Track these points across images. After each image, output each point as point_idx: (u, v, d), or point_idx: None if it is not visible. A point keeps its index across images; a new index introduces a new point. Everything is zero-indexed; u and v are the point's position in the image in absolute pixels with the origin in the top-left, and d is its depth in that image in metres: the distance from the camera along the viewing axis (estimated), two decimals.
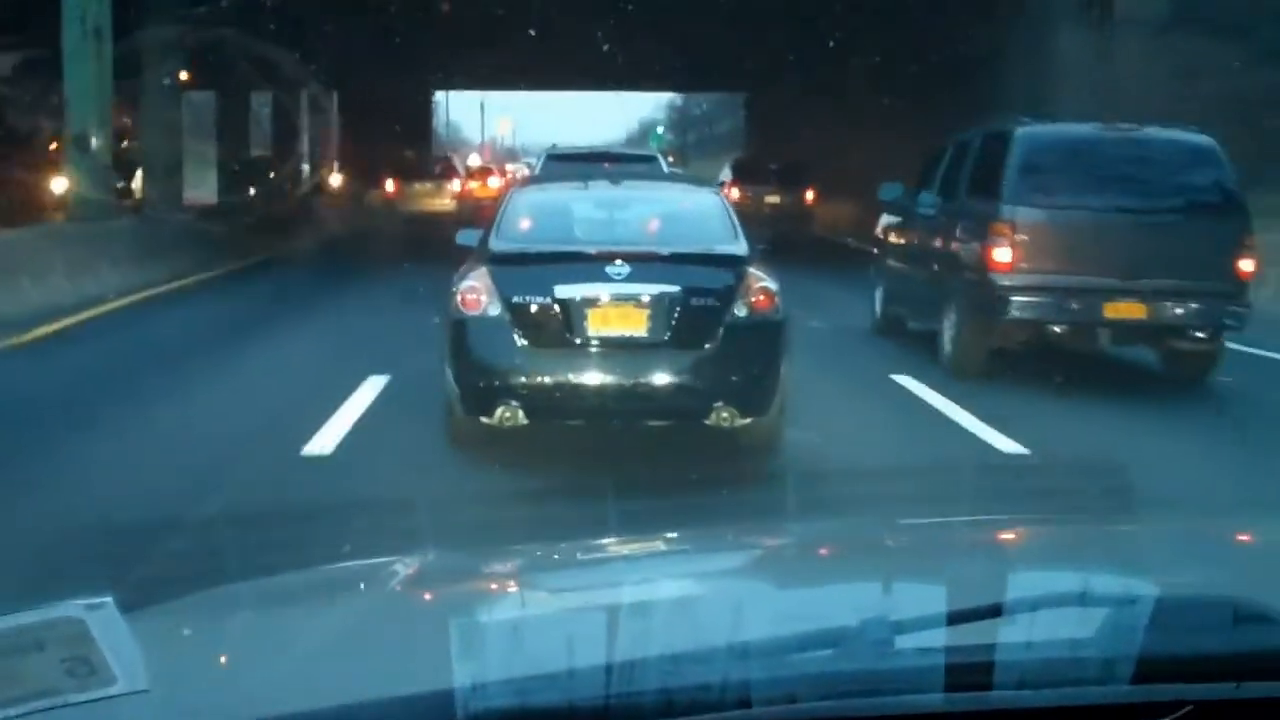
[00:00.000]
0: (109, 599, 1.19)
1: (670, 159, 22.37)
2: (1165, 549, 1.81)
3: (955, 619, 1.23)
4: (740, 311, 6.28)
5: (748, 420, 6.25)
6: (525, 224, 6.96)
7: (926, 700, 1.13)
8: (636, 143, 56.85)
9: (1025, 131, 8.80)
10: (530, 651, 1.37)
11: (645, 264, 6.34)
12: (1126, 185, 8.50)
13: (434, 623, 1.56)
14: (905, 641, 1.19)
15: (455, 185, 28.55)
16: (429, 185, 27.82)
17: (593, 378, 6.24)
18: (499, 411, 6.13)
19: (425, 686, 1.13)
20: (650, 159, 16.79)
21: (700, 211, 7.15)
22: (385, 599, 1.66)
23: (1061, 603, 1.29)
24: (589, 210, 7.30)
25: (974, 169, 9.23)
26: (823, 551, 1.91)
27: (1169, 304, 8.32)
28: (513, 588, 1.75)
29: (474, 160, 41.47)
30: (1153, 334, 8.59)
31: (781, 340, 6.37)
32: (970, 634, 1.20)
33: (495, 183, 30.79)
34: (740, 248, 6.65)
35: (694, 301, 6.27)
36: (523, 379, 6.19)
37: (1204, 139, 8.70)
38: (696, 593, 1.72)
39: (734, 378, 6.25)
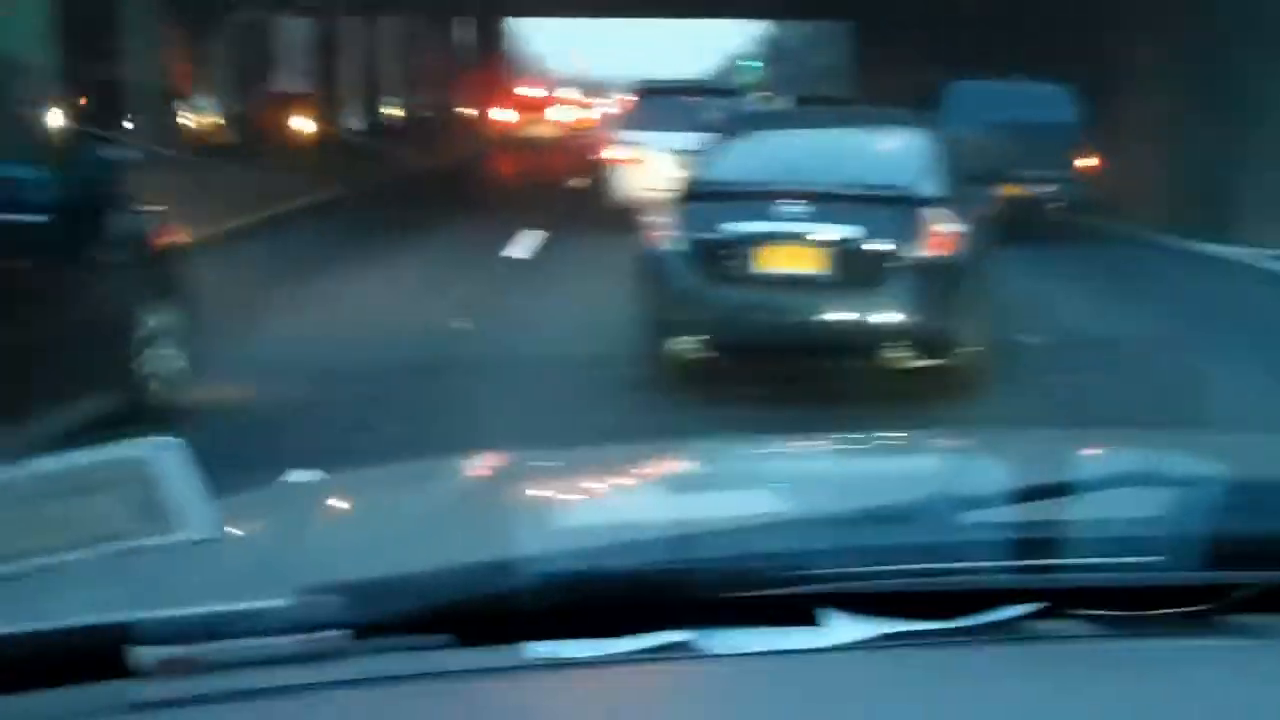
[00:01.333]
0: (177, 440, 1.26)
1: (765, 94, 22.33)
2: (1232, 440, 1.84)
3: (1022, 496, 1.27)
4: (919, 252, 6.56)
5: (927, 361, 6.54)
6: (716, 161, 7.49)
7: (992, 573, 1.18)
8: (724, 77, 56.51)
9: None
10: (597, 524, 1.44)
11: (825, 203, 6.70)
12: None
13: (508, 505, 1.64)
14: (972, 517, 1.24)
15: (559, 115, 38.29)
16: (538, 115, 37.35)
17: (767, 314, 6.68)
18: (678, 341, 6.69)
19: (493, 555, 1.20)
20: (732, 92, 18.15)
21: (898, 148, 7.42)
22: (461, 489, 1.75)
23: (1127, 482, 1.33)
24: (781, 149, 7.69)
25: None
26: (890, 444, 1.96)
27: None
28: (584, 478, 1.83)
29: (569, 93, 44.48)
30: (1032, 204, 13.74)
31: (965, 283, 6.66)
32: (1035, 511, 1.24)
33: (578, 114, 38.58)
34: (927, 188, 6.88)
35: (871, 242, 6.58)
36: (700, 312, 6.69)
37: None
38: (765, 477, 1.78)
39: (910, 318, 6.54)
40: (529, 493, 1.75)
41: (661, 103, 15.85)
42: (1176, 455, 1.68)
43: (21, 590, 1.14)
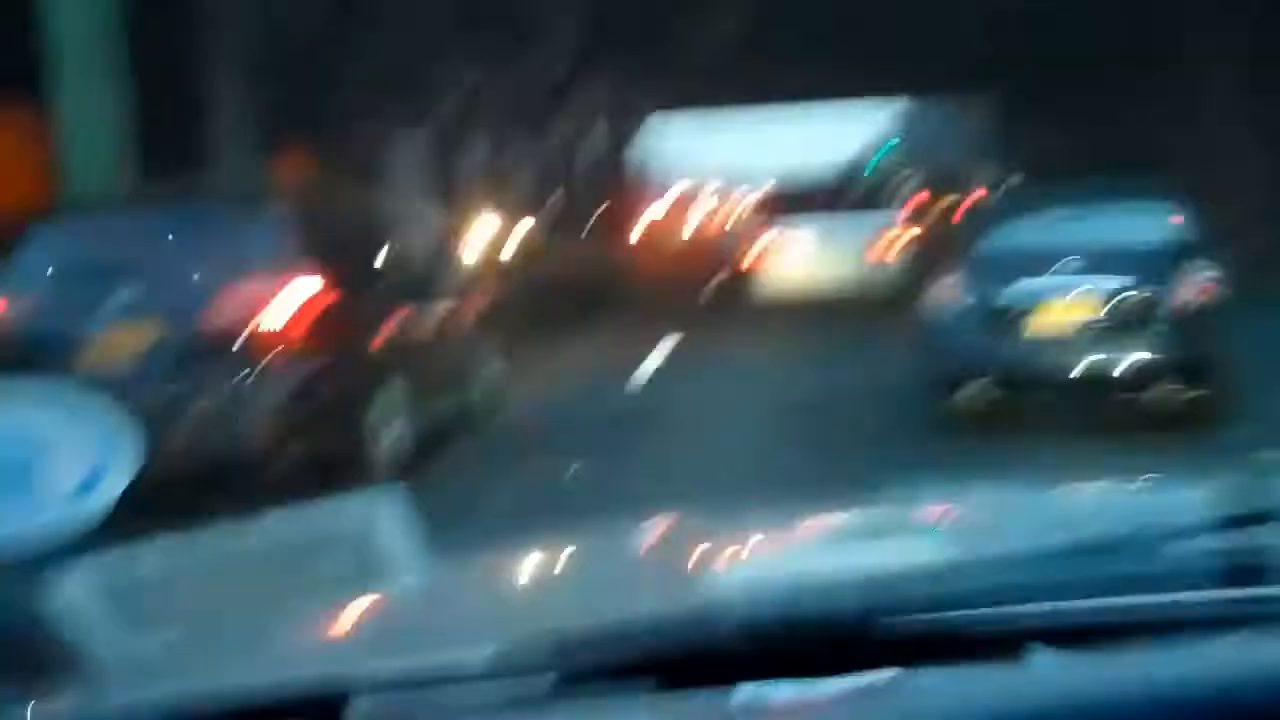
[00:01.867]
0: (398, 491, 1.32)
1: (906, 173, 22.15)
2: None
3: (1224, 524, 1.26)
4: (1183, 299, 7.72)
5: (1192, 393, 7.59)
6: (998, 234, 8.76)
7: (1198, 600, 1.18)
8: (859, 164, 56.49)
9: None
10: (794, 571, 1.47)
11: (1096, 260, 7.84)
12: None
13: (704, 557, 1.68)
14: (1173, 548, 1.24)
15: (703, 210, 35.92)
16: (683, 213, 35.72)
17: (1050, 360, 7.77)
18: (968, 390, 7.84)
19: (692, 604, 1.24)
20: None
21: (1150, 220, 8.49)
22: (659, 544, 1.80)
23: None
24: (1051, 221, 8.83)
25: None
26: (1082, 489, 1.95)
27: None
28: (776, 530, 1.85)
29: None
30: None
31: (1221, 323, 7.81)
32: (1240, 539, 1.23)
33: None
34: (1181, 241, 8.09)
35: (1139, 292, 7.70)
36: (986, 362, 7.83)
37: None
38: (957, 521, 1.78)
39: (1178, 356, 7.61)
40: (724, 546, 1.78)
41: (800, 199, 16.49)
42: None
43: (252, 640, 1.21)
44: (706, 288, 18.67)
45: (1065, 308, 7.81)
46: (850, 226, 16.03)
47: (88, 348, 6.87)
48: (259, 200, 8.50)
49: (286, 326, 7.06)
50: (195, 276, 7.18)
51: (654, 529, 1.89)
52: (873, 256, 15.87)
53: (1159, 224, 8.34)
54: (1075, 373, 7.71)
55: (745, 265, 16.58)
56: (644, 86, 29.02)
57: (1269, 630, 1.16)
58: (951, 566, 1.27)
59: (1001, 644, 1.16)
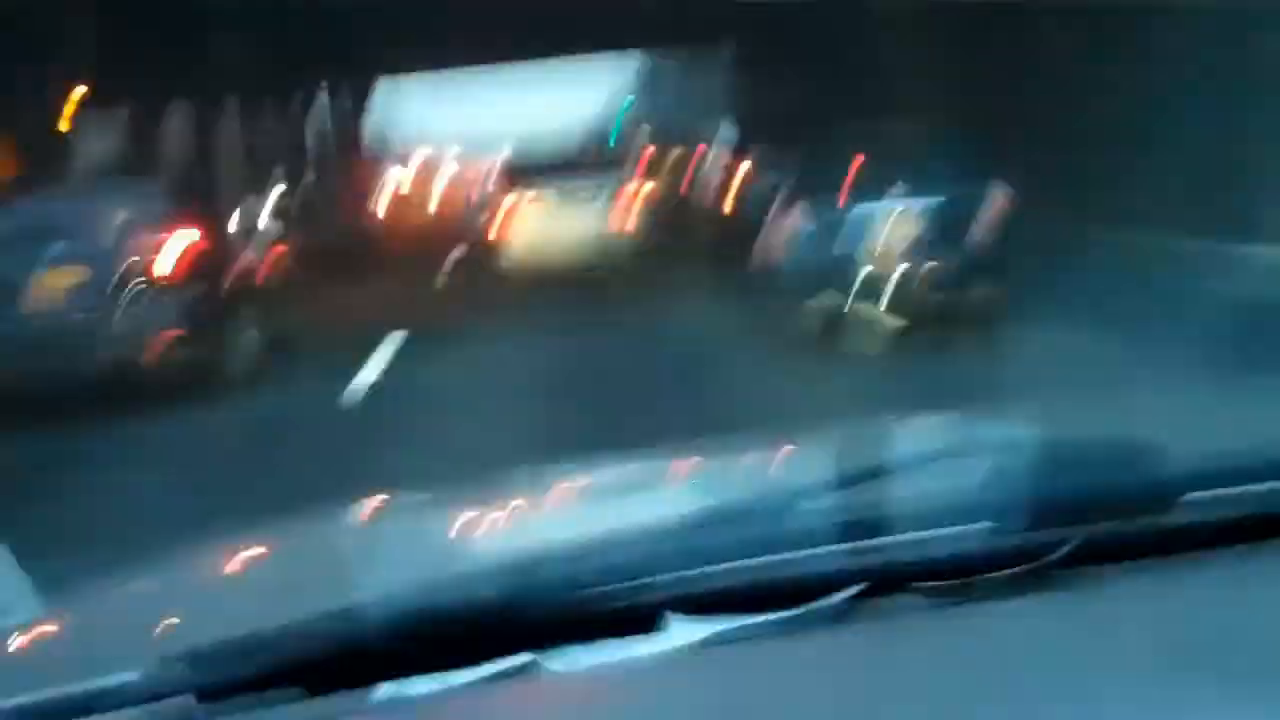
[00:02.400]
0: None
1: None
2: (1037, 406, 1.92)
3: (845, 482, 1.34)
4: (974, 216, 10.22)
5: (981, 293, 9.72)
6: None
7: (823, 559, 1.24)
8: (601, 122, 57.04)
9: None
10: (436, 560, 1.49)
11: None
12: None
13: (350, 552, 1.68)
14: (801, 507, 1.31)
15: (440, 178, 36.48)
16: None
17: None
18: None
19: (334, 604, 1.24)
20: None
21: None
22: (311, 542, 1.79)
23: (945, 455, 1.40)
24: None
25: None
26: (720, 449, 2.02)
27: None
28: (424, 516, 1.88)
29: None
30: None
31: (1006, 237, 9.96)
32: (861, 495, 1.31)
33: None
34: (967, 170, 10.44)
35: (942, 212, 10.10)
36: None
37: None
38: (592, 495, 1.84)
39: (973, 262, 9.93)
40: (370, 537, 1.79)
41: (541, 162, 16.71)
42: (989, 426, 1.76)
43: None
44: (446, 261, 18.56)
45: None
46: (591, 188, 16.09)
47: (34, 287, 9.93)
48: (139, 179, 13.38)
49: (171, 267, 10.36)
50: (107, 233, 10.31)
51: (314, 523, 1.88)
52: (613, 218, 15.93)
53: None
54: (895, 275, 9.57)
55: (488, 235, 16.41)
56: (369, 54, 28.17)
57: (889, 579, 1.24)
58: (586, 543, 1.31)
59: (637, 617, 1.21)
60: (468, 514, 1.82)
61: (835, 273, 9.94)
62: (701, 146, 22.92)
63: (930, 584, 1.24)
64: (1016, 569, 1.24)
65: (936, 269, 9.76)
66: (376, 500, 1.95)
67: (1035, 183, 11.15)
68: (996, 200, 10.09)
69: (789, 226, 10.93)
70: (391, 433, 8.35)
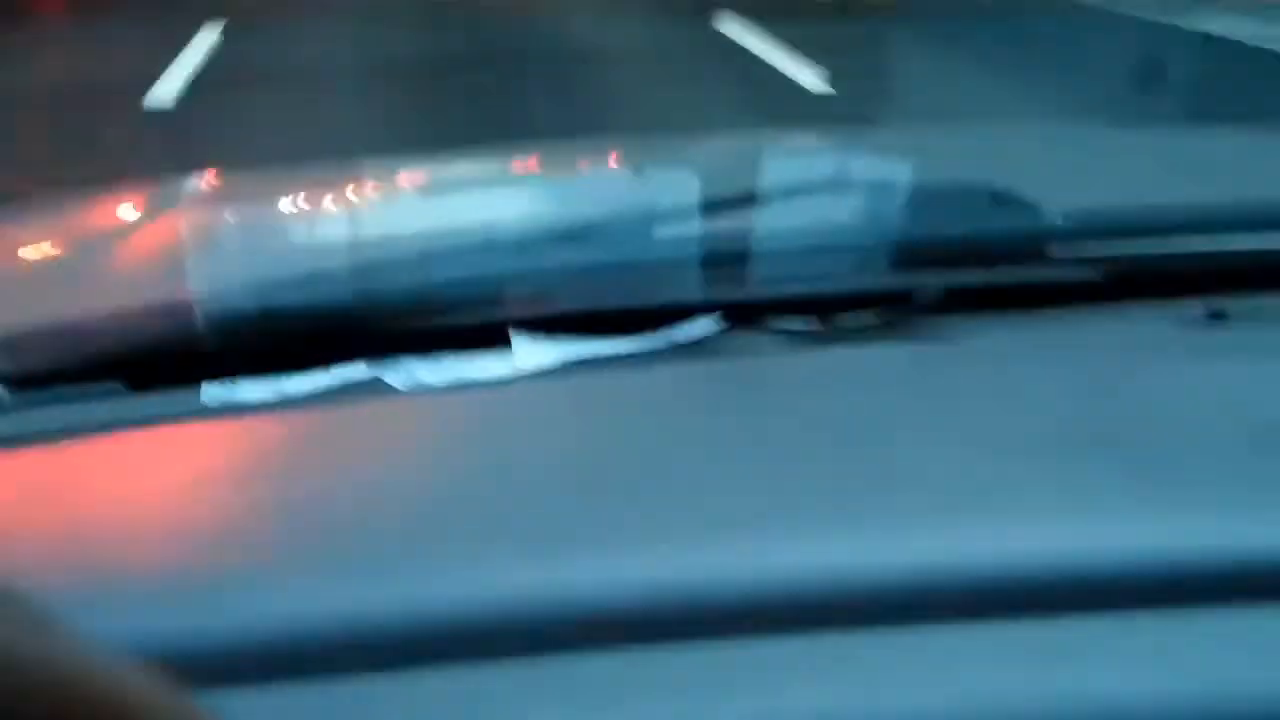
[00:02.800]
0: None
1: None
2: (922, 143, 1.90)
3: (710, 207, 1.30)
4: None
5: None
6: None
7: (677, 288, 1.21)
8: None
9: None
10: (277, 255, 1.43)
11: None
12: None
13: (183, 237, 1.61)
14: (660, 231, 1.27)
15: None
16: None
17: None
18: None
19: (163, 295, 1.18)
20: None
21: None
22: (139, 220, 1.70)
23: (815, 189, 1.37)
24: None
25: None
26: (582, 161, 1.97)
27: None
28: (267, 203, 1.80)
29: None
30: None
31: None
32: (725, 222, 1.27)
33: None
34: None
35: None
36: None
37: None
38: (446, 195, 1.79)
39: None
40: (206, 223, 1.70)
41: None
42: (865, 158, 1.73)
43: None
44: None
45: None
46: None
47: None
48: None
49: None
50: None
51: (144, 199, 1.78)
52: None
53: None
54: None
55: None
56: None
57: (747, 318, 1.22)
58: (440, 250, 1.26)
59: (483, 334, 1.17)
60: (307, 203, 1.74)
61: None
62: None
63: (789, 320, 1.22)
64: (878, 310, 1.23)
65: None
66: (208, 177, 1.84)
67: None
68: None
69: None
70: (220, 114, 7.00)
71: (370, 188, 1.83)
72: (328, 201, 1.77)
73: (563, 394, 1.13)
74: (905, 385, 1.14)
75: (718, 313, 1.20)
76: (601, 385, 1.14)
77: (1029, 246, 1.28)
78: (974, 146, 1.89)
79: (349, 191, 1.80)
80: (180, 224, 1.70)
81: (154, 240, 1.61)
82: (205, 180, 1.85)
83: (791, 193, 1.36)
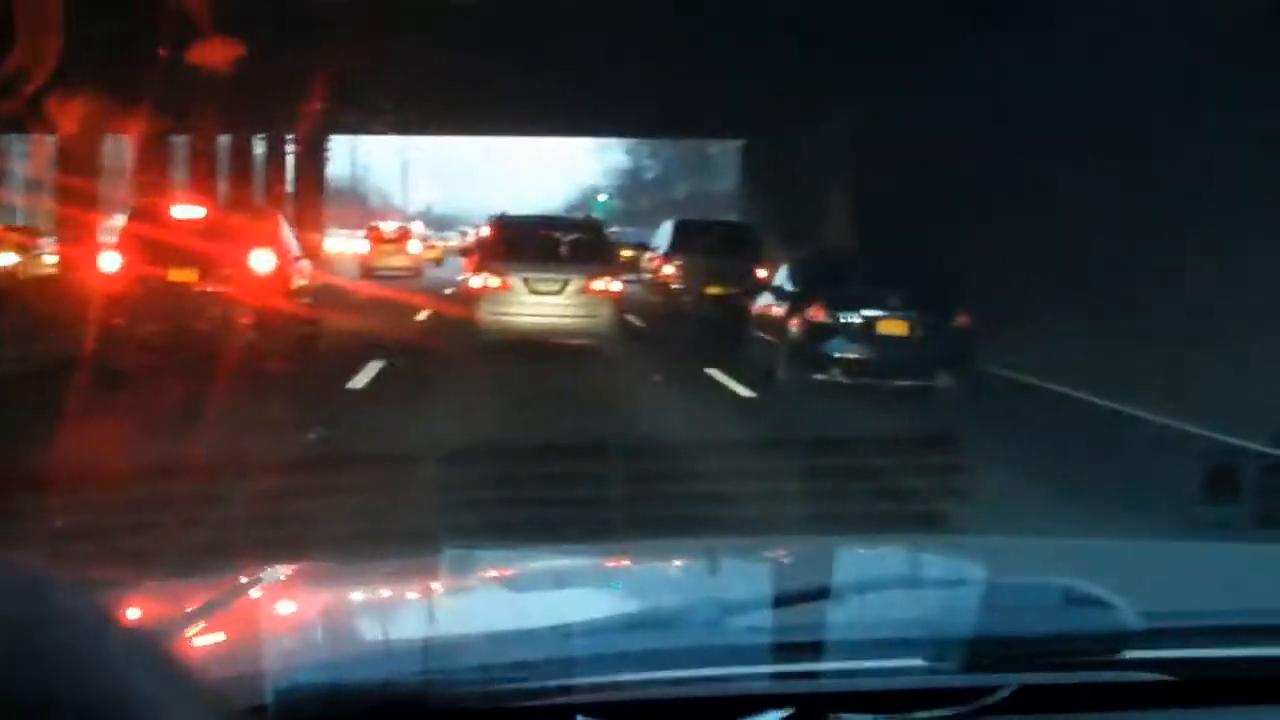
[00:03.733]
0: None
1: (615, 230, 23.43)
2: (992, 543, 1.93)
3: (783, 600, 1.33)
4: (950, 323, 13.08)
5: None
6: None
7: (751, 679, 1.23)
8: (577, 210, 57.25)
9: None
10: (347, 632, 1.47)
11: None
12: None
13: (260, 620, 1.65)
14: (734, 622, 1.30)
15: (413, 248, 38.67)
16: (395, 249, 37.91)
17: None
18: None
19: (239, 670, 1.22)
20: (595, 225, 18.66)
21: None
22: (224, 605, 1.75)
23: (889, 585, 1.40)
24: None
25: None
26: (652, 556, 2.01)
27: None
28: (344, 590, 1.85)
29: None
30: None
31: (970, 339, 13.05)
32: (799, 615, 1.30)
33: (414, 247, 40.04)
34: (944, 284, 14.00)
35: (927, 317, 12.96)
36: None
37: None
38: (523, 584, 1.84)
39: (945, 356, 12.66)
40: (284, 607, 1.75)
41: (521, 235, 16.58)
42: (939, 558, 1.77)
43: None
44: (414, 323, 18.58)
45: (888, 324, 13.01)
46: (563, 274, 15.76)
47: None
48: None
49: None
50: None
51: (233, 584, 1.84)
52: (583, 306, 15.83)
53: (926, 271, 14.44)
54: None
55: (463, 307, 16.26)
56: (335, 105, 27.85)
57: (816, 706, 1.23)
58: (509, 634, 1.29)
59: (553, 715, 1.19)
60: (389, 588, 1.80)
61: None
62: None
63: (860, 717, 1.23)
64: (949, 711, 1.24)
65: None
66: (296, 568, 1.92)
67: None
68: None
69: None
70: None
71: (444, 575, 1.88)
72: (408, 586, 1.83)
73: None
74: None
75: (786, 706, 1.22)
76: None
77: (1103, 648, 1.30)
78: (1043, 551, 1.93)
79: (430, 577, 1.86)
80: (267, 606, 1.75)
81: (240, 621, 1.66)
82: (290, 568, 1.92)
83: (865, 588, 1.39)
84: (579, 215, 29.80)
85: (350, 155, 59.57)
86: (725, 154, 55.58)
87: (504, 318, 15.44)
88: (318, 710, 1.17)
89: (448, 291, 22.85)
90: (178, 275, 12.80)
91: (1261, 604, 1.44)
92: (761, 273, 18.79)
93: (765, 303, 14.97)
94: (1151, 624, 1.33)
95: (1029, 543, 2.27)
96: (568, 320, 15.63)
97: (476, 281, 15.85)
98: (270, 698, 1.16)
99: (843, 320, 13.29)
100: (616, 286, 15.91)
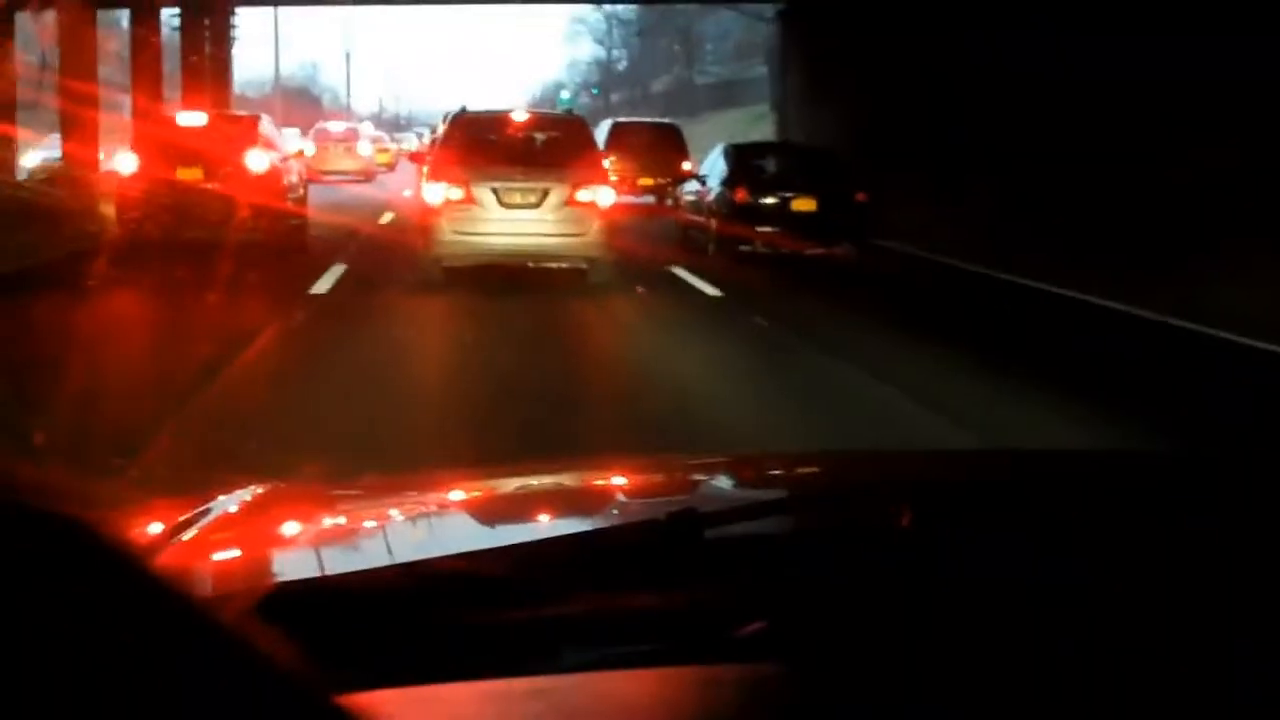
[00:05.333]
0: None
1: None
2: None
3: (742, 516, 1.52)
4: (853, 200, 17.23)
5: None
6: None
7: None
8: (541, 106, 53.13)
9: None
10: (328, 551, 1.66)
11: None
12: None
13: (238, 530, 1.74)
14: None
15: (363, 150, 36.63)
16: (343, 151, 35.78)
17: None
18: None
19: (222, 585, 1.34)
20: (577, 122, 15.30)
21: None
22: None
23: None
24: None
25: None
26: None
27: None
28: (318, 502, 1.99)
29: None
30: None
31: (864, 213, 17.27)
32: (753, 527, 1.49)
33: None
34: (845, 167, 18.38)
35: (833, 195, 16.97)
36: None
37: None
38: (501, 505, 1.98)
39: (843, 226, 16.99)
40: (264, 525, 1.81)
41: (487, 135, 13.85)
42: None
43: None
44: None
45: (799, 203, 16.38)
46: (541, 182, 12.99)
47: None
48: None
49: None
50: None
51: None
52: (567, 222, 13.00)
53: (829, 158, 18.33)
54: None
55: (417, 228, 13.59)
56: None
57: None
58: (488, 552, 1.40)
59: (539, 630, 1.23)
60: (368, 507, 1.95)
61: None
62: None
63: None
64: None
65: None
66: (273, 486, 1.98)
67: None
68: None
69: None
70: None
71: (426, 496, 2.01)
72: (386, 507, 1.94)
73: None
74: None
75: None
76: (649, 688, 1.19)
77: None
78: None
79: (407, 498, 1.99)
80: (243, 524, 1.79)
81: (218, 538, 1.70)
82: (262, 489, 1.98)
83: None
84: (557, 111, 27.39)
85: (269, 34, 55.99)
86: (716, 35, 55.45)
87: (468, 239, 12.79)
88: (301, 623, 1.15)
89: (407, 193, 22.31)
90: (184, 175, 15.47)
91: None
92: (686, 165, 24.29)
93: (693, 189, 18.52)
94: None
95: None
96: (549, 240, 12.96)
97: (433, 194, 13.04)
98: (254, 611, 1.18)
99: (761, 201, 16.47)
100: (607, 197, 13.21)
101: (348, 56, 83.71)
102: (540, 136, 14.02)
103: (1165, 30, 13.64)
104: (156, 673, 0.78)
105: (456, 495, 2.01)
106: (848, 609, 1.28)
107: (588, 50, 74.19)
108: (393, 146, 44.84)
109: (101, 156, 23.39)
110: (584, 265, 13.11)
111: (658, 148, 26.44)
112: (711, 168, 18.01)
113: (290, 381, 8.09)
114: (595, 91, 67.79)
